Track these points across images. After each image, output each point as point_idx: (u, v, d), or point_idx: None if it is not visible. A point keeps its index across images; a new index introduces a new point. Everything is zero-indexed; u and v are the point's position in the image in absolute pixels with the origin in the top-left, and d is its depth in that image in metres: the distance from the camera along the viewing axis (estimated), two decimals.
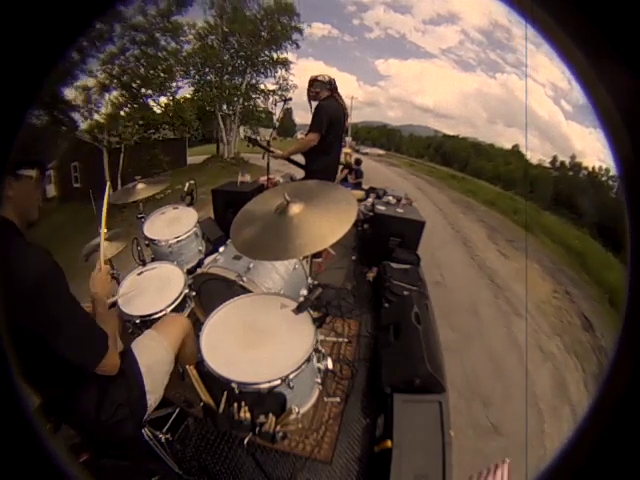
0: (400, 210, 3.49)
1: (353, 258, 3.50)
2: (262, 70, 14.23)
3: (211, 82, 12.89)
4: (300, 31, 14.49)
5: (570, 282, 9.25)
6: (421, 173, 22.37)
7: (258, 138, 3.05)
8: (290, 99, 3.95)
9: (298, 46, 14.59)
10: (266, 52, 13.96)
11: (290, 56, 14.58)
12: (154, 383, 1.21)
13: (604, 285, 9.54)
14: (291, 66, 14.45)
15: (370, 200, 4.15)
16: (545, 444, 3.36)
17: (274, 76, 14.38)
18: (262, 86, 14.33)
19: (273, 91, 13.06)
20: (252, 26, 13.15)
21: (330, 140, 2.69)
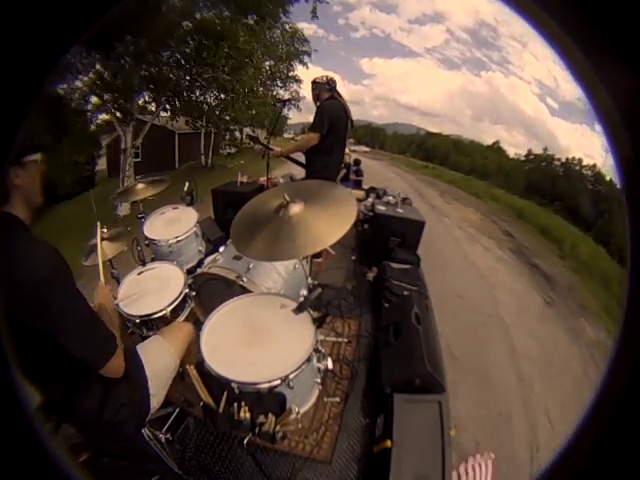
0: (400, 210, 3.49)
1: (353, 258, 3.51)
2: (280, 84, 17.64)
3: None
4: (309, 54, 17.77)
5: (500, 219, 12.61)
6: (400, 164, 26.66)
7: (259, 137, 3.08)
8: (288, 100, 4.00)
9: (307, 67, 17.97)
10: (283, 70, 17.42)
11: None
12: (158, 386, 1.21)
13: (537, 226, 12.72)
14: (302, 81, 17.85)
15: (370, 200, 4.16)
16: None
17: (289, 89, 17.76)
18: (280, 97, 17.52)
19: (288, 100, 15.54)
20: (275, 49, 16.22)
21: (331, 140, 2.69)
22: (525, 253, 9.46)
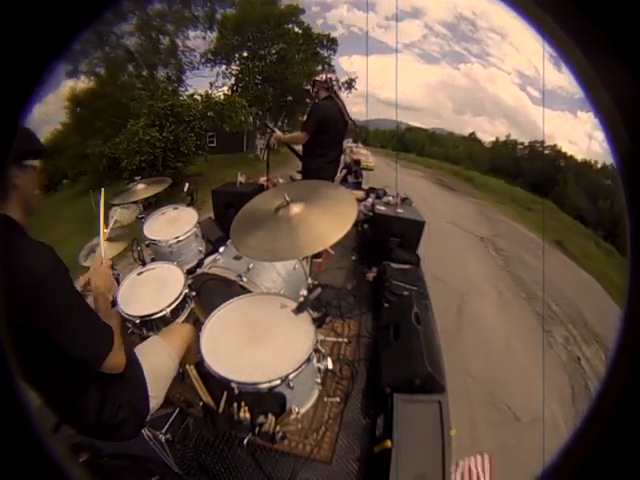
0: (400, 210, 3.49)
1: (353, 258, 3.50)
2: None
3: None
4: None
5: (438, 175, 19.08)
6: (377, 156, 28.96)
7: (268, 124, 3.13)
8: (289, 99, 4.02)
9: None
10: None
11: None
12: (157, 387, 1.21)
13: (465, 178, 18.37)
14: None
15: (370, 200, 4.15)
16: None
17: None
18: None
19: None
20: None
21: (324, 141, 2.67)
22: (444, 183, 16.01)
